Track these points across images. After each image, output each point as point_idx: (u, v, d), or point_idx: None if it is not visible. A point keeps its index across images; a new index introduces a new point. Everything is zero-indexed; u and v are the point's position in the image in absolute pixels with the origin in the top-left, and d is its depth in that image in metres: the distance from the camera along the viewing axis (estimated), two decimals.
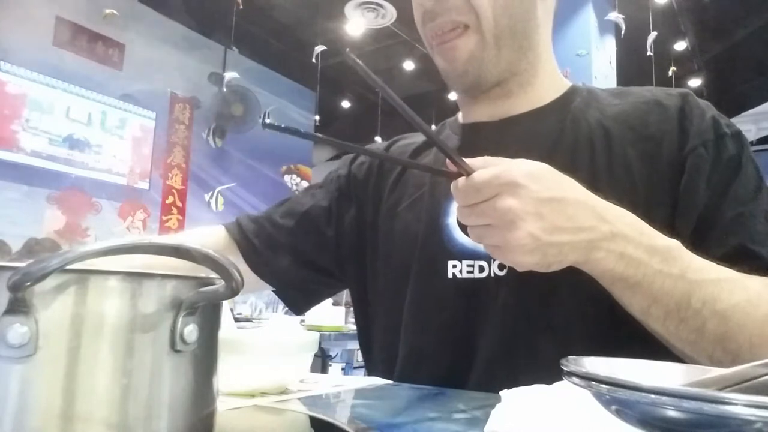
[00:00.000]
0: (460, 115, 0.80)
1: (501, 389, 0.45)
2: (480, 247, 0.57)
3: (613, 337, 0.60)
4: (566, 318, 0.62)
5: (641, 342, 0.56)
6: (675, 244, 0.54)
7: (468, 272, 0.67)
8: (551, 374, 0.39)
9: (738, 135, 0.64)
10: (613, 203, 0.54)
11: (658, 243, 0.53)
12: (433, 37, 0.69)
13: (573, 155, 0.66)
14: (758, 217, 0.60)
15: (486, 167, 0.50)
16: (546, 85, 0.73)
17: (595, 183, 0.57)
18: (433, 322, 0.69)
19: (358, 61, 0.47)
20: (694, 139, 0.62)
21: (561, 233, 0.50)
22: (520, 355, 0.63)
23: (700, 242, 0.58)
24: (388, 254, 0.76)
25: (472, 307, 0.66)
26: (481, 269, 0.66)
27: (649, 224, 0.55)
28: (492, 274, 0.66)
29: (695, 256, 0.54)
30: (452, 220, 0.69)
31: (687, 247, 0.55)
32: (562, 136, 0.68)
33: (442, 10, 0.66)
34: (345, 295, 4.40)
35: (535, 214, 0.49)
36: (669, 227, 0.58)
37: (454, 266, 0.68)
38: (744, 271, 0.55)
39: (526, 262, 0.51)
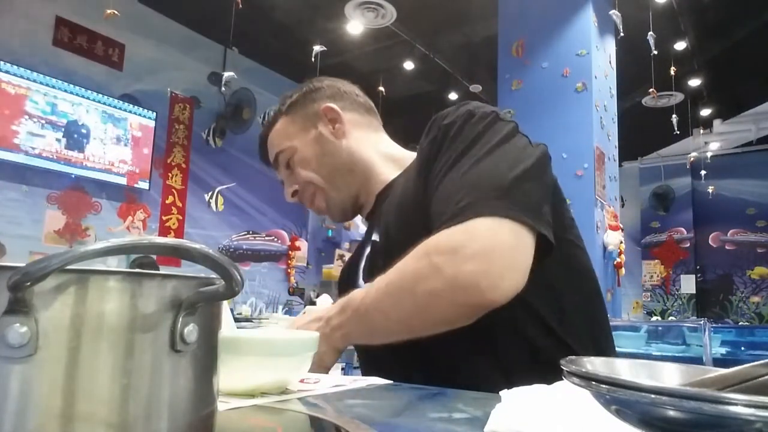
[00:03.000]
0: None
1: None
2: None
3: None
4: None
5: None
6: (347, 297, 0.77)
7: None
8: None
9: (463, 114, 0.77)
10: (408, 211, 0.80)
11: (339, 305, 0.78)
12: (313, 210, 1.03)
13: (398, 192, 0.88)
14: (440, 174, 0.73)
15: None
16: (389, 167, 0.97)
17: (401, 203, 0.83)
18: None
19: None
20: (425, 140, 0.80)
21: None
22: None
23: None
24: None
25: None
26: None
27: (423, 214, 0.75)
28: None
29: (361, 291, 0.76)
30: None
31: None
32: (397, 187, 0.91)
33: (301, 197, 1.00)
34: None
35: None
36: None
37: None
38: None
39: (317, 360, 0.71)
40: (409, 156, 0.98)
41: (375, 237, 0.92)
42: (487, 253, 0.63)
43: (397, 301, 0.69)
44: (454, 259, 0.63)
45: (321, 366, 0.77)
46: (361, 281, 0.95)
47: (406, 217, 0.81)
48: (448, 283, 0.63)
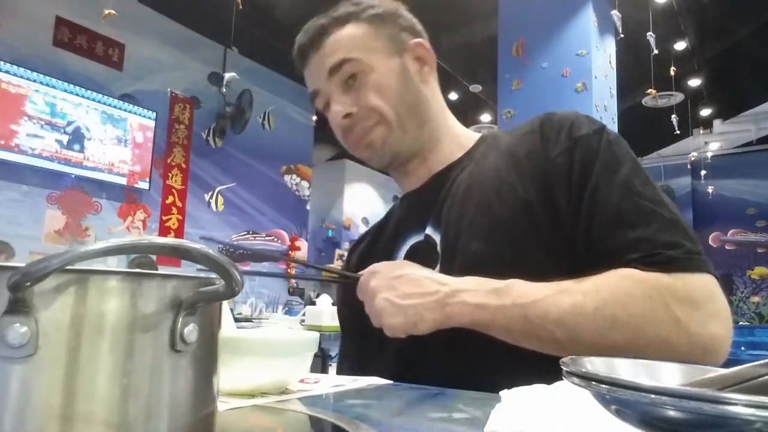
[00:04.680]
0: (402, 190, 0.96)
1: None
2: None
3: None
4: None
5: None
6: (507, 282, 0.66)
7: None
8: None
9: (597, 132, 0.73)
10: (506, 220, 0.72)
11: (491, 286, 0.66)
12: (353, 143, 0.85)
13: (477, 190, 0.78)
14: (617, 201, 0.67)
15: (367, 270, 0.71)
16: (453, 144, 0.87)
17: (490, 207, 0.74)
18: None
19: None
20: (553, 150, 0.73)
21: (411, 298, 0.66)
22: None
23: (581, 234, 0.69)
24: None
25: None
26: None
27: (540, 232, 0.69)
28: None
29: (528, 284, 0.65)
30: None
31: (581, 235, 0.68)
32: (470, 179, 0.80)
33: (354, 123, 0.82)
34: None
35: (388, 286, 0.67)
36: (557, 229, 0.69)
37: None
38: (606, 253, 0.66)
39: (393, 323, 0.66)
40: (471, 137, 0.88)
41: (429, 232, 0.81)
42: (724, 318, 0.62)
43: (612, 331, 0.61)
44: (696, 316, 0.61)
45: (408, 330, 0.66)
46: None
47: (504, 225, 0.72)
48: (688, 339, 0.60)
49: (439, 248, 0.78)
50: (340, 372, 0.93)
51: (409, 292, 0.66)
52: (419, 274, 0.69)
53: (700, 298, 0.62)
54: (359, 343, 0.90)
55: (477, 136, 0.89)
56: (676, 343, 0.60)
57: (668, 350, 0.60)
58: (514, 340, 0.65)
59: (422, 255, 0.78)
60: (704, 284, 0.63)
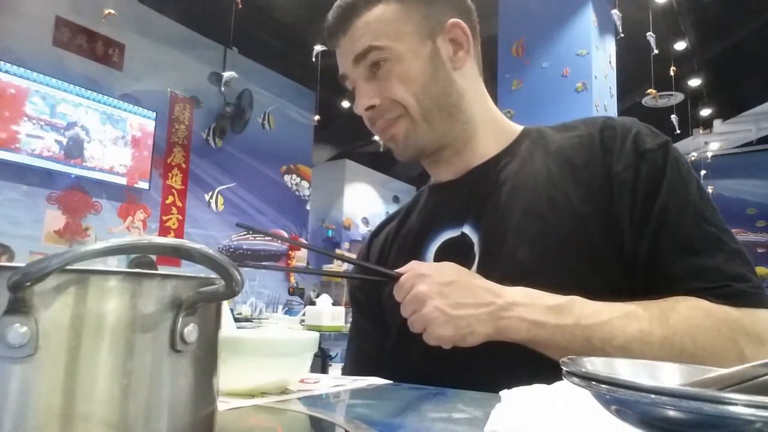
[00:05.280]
0: (432, 179, 0.89)
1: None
2: None
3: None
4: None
5: None
6: (566, 299, 0.62)
7: None
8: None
9: (662, 147, 0.69)
10: (558, 231, 0.67)
11: (550, 302, 0.62)
12: (379, 134, 0.80)
13: (525, 193, 0.73)
14: (684, 225, 0.64)
15: (409, 270, 0.65)
16: (492, 137, 0.80)
17: (541, 215, 0.69)
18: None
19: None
20: (617, 163, 0.68)
21: (464, 308, 0.61)
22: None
23: (643, 256, 0.65)
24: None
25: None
26: None
27: (592, 246, 0.66)
28: None
29: (589, 303, 0.62)
30: None
31: (643, 257, 0.64)
32: (515, 179, 0.75)
33: (379, 115, 0.77)
34: (344, 295, 4.40)
35: (439, 293, 0.62)
36: (612, 247, 0.66)
37: None
38: (670, 278, 0.63)
39: (442, 334, 0.62)
40: (512, 129, 0.82)
41: (466, 230, 0.76)
42: None
43: (675, 356, 0.58)
44: (762, 353, 0.58)
45: (457, 341, 0.62)
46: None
47: (554, 235, 0.68)
48: None
49: (477, 249, 0.73)
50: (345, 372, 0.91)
51: (461, 301, 0.62)
52: (472, 282, 0.64)
53: (766, 335, 0.60)
54: (372, 343, 0.88)
55: (519, 128, 0.83)
56: None
57: None
58: (555, 355, 0.61)
59: (456, 253, 0.73)
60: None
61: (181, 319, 0.29)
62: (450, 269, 0.65)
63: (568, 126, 0.78)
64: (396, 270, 0.67)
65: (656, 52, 4.81)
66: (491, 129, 0.80)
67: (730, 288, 0.61)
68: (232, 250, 6.19)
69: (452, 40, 0.77)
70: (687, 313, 0.60)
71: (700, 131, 7.90)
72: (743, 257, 0.64)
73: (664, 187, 0.66)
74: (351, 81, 0.79)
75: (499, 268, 0.68)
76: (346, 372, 0.91)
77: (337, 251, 6.96)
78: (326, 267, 7.07)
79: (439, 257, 0.76)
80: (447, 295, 0.62)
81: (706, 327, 0.59)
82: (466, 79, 0.78)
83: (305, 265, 7.08)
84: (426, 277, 0.63)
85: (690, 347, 0.58)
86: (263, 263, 0.70)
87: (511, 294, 0.63)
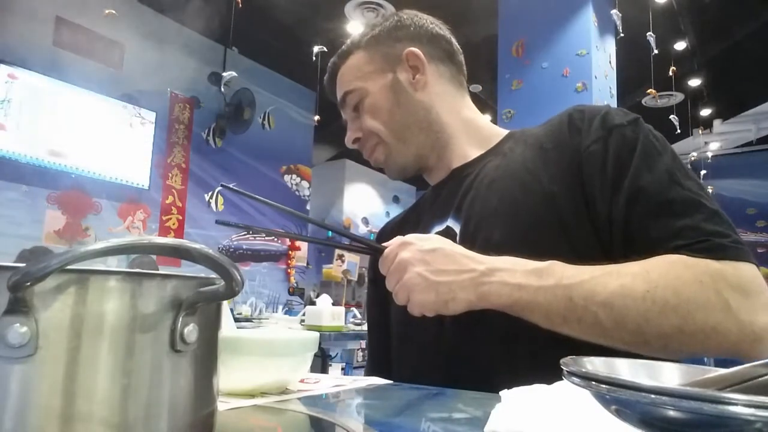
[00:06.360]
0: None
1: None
2: None
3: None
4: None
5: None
6: (547, 263, 0.63)
7: None
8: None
9: (632, 122, 0.72)
10: (529, 212, 0.71)
11: (531, 267, 0.63)
12: (367, 158, 0.92)
13: (502, 183, 0.78)
14: (659, 190, 0.66)
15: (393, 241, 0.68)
16: (472, 140, 0.88)
17: (514, 199, 0.73)
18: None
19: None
20: (585, 139, 0.72)
21: (445, 275, 0.63)
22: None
23: (618, 225, 0.67)
24: None
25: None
26: None
27: (564, 224, 0.68)
28: None
29: (569, 266, 0.63)
30: None
31: (619, 227, 0.66)
32: (496, 172, 0.80)
33: (362, 145, 0.91)
34: (344, 295, 4.40)
35: (422, 260, 0.64)
36: (585, 222, 0.69)
37: None
38: (648, 242, 0.64)
39: (424, 299, 0.63)
40: (496, 133, 0.89)
41: (450, 223, 0.82)
42: None
43: (661, 316, 0.59)
44: (749, 304, 0.59)
45: (439, 308, 0.64)
46: None
47: (526, 216, 0.71)
48: (739, 326, 0.58)
49: (458, 239, 0.77)
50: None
51: (443, 268, 0.63)
52: (454, 251, 0.66)
53: (751, 287, 0.60)
54: (385, 341, 0.89)
55: (504, 132, 0.89)
56: (725, 330, 0.58)
57: (716, 338, 0.58)
58: (552, 323, 0.62)
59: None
60: (754, 274, 0.61)
61: (181, 319, 0.29)
62: (433, 238, 0.68)
63: (548, 120, 0.83)
64: (383, 244, 0.70)
65: (656, 52, 4.81)
66: (470, 134, 0.89)
67: (710, 242, 0.61)
68: (232, 250, 6.19)
69: (411, 67, 0.87)
70: (667, 267, 0.61)
71: (700, 131, 7.89)
72: (722, 216, 0.65)
73: (636, 155, 0.68)
74: (345, 120, 0.93)
75: (476, 251, 0.69)
76: (366, 370, 0.94)
77: (336, 251, 6.95)
78: (325, 267, 7.07)
79: None
80: (429, 262, 0.64)
81: (687, 279, 0.59)
82: (433, 95, 0.87)
83: (305, 264, 7.09)
84: (409, 245, 0.66)
85: (672, 300, 0.59)
86: (262, 228, 0.73)
87: (492, 261, 0.65)
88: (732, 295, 0.59)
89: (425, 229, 0.86)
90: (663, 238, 0.63)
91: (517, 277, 0.62)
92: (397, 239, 0.68)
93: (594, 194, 0.68)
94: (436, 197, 0.89)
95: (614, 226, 0.67)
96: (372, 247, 0.72)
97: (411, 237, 0.68)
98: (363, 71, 0.88)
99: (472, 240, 0.74)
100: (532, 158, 0.76)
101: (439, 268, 0.63)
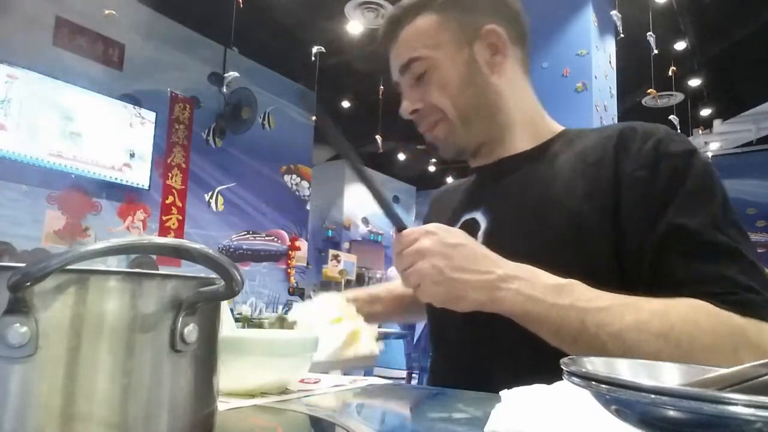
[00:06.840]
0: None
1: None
2: None
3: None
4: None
5: None
6: (567, 281, 0.62)
7: None
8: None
9: (687, 154, 0.68)
10: (554, 230, 0.69)
11: (550, 282, 0.62)
12: (423, 133, 0.86)
13: (537, 190, 0.76)
14: (699, 231, 0.63)
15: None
16: (526, 134, 0.83)
17: (544, 212, 0.71)
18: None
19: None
20: (633, 161, 0.68)
21: (462, 272, 0.62)
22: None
23: (649, 258, 0.64)
24: None
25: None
26: None
27: (591, 244, 0.66)
28: None
29: (589, 288, 0.61)
30: None
31: (648, 260, 0.64)
32: (535, 176, 0.78)
33: (421, 119, 0.84)
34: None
35: (442, 253, 0.62)
36: (609, 245, 0.66)
37: None
38: (676, 282, 0.61)
39: (436, 291, 0.62)
40: (549, 129, 0.85)
41: (478, 216, 0.80)
42: None
43: (671, 358, 0.56)
44: None
45: (448, 303, 0.63)
46: None
47: (549, 232, 0.70)
48: None
49: (480, 234, 0.77)
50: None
51: (461, 265, 0.62)
52: (477, 250, 0.64)
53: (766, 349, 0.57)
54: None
55: (558, 129, 0.86)
56: None
57: None
58: (560, 341, 0.61)
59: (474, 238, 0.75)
60: None
61: (181, 319, 0.29)
62: (458, 233, 0.66)
63: (602, 128, 0.79)
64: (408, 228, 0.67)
65: (656, 52, 4.81)
66: (527, 126, 0.84)
67: (738, 296, 0.59)
68: (232, 250, 6.19)
69: (490, 45, 0.80)
70: (688, 311, 0.59)
71: (700, 131, 7.89)
72: (758, 270, 0.62)
73: (684, 191, 0.65)
74: (400, 87, 0.86)
75: (495, 251, 0.68)
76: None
77: (331, 252, 6.94)
78: (326, 267, 7.07)
79: None
80: (450, 256, 0.62)
81: (706, 328, 0.57)
82: (505, 80, 0.82)
83: (305, 264, 7.08)
84: (432, 234, 0.64)
85: (686, 344, 0.57)
86: None
87: (513, 267, 0.63)
88: (747, 355, 0.56)
89: (460, 214, 0.84)
90: (692, 281, 0.61)
91: (534, 290, 0.61)
92: (422, 228, 0.65)
93: (629, 222, 0.66)
94: (475, 183, 0.89)
95: (644, 258, 0.65)
96: (397, 221, 0.68)
97: (435, 226, 0.66)
98: (435, 38, 0.80)
99: (493, 240, 0.73)
100: (572, 171, 0.74)
101: (457, 264, 0.62)
